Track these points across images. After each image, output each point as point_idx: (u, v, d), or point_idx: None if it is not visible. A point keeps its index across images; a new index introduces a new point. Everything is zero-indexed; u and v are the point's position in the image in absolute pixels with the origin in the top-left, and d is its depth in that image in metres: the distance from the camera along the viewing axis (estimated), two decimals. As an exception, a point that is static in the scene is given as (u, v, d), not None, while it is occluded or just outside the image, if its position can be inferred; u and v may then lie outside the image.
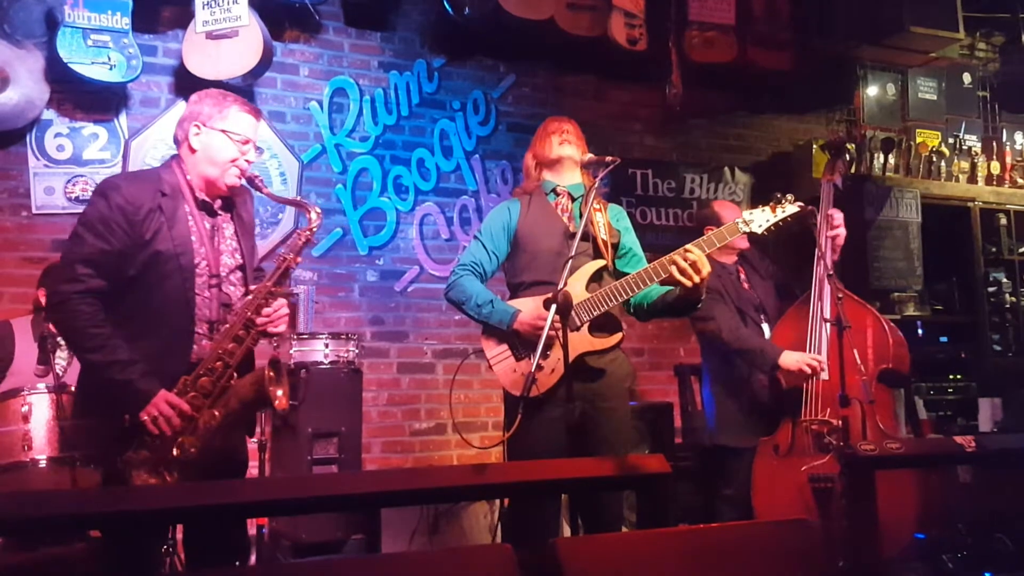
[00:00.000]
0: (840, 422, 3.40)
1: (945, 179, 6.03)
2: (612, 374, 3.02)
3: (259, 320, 2.61)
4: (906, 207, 5.65)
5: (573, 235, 2.90)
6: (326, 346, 4.07)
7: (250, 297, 2.64)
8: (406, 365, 5.01)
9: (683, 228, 5.60)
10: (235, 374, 2.58)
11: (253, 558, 3.83)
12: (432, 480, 2.19)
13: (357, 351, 4.19)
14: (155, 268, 2.52)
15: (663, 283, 2.89)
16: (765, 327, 3.84)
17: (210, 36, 4.32)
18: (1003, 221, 6.05)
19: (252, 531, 3.86)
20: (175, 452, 2.46)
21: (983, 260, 5.92)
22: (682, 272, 2.77)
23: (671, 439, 4.64)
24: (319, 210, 2.81)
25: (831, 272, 3.46)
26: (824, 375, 3.51)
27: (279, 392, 2.59)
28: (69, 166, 4.39)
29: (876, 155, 5.84)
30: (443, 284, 3.30)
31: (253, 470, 3.86)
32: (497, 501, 4.01)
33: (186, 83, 4.38)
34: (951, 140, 6.37)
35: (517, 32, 5.03)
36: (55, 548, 3.15)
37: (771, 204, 2.92)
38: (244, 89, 4.61)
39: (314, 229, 2.77)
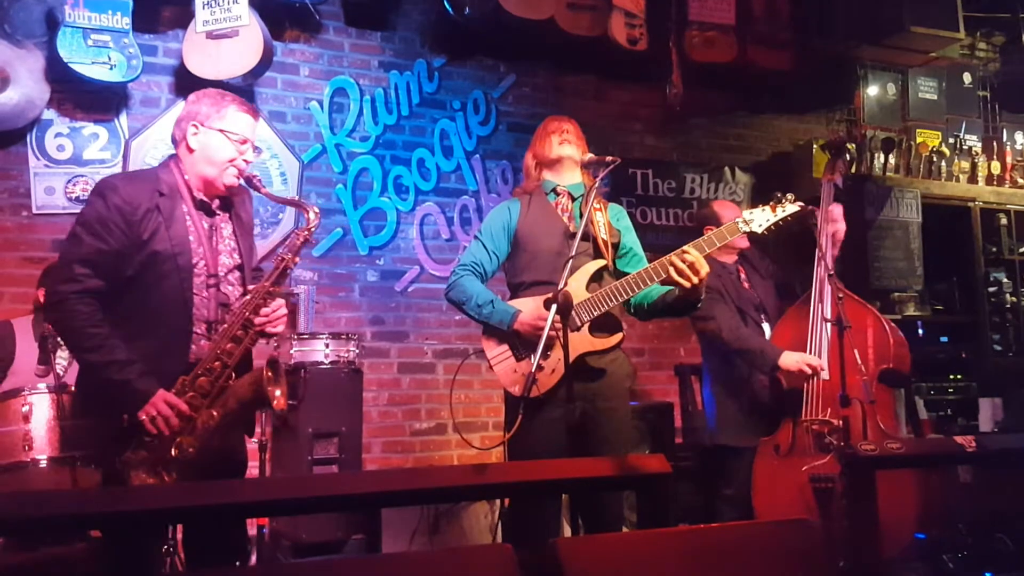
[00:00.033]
0: (841, 422, 3.40)
1: (945, 179, 6.03)
2: (612, 374, 3.02)
3: (257, 320, 2.61)
4: (906, 207, 5.65)
5: (573, 235, 2.90)
6: (326, 346, 4.07)
7: (248, 297, 2.64)
8: (406, 365, 5.01)
9: (683, 228, 5.60)
10: (233, 374, 2.58)
11: (253, 558, 3.83)
12: (432, 480, 2.19)
13: (357, 351, 4.19)
14: (153, 268, 2.51)
15: (662, 283, 2.89)
16: (765, 327, 3.84)
17: (210, 36, 4.32)
18: (1003, 221, 6.05)
19: (252, 531, 3.86)
20: (173, 452, 2.46)
21: (983, 260, 5.91)
22: (680, 273, 2.77)
23: (671, 439, 4.64)
24: (317, 210, 2.81)
25: (831, 272, 3.46)
26: (824, 375, 3.51)
27: (277, 392, 2.60)
28: (69, 166, 4.39)
29: (876, 155, 5.84)
30: (443, 284, 3.29)
31: (253, 470, 3.86)
32: (497, 501, 4.01)
33: (186, 83, 4.37)
34: (951, 140, 6.37)
35: (517, 32, 5.03)
36: (55, 548, 3.15)
37: (771, 204, 2.92)
38: (244, 89, 4.61)
39: (312, 229, 2.77)
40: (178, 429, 2.46)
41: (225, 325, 2.60)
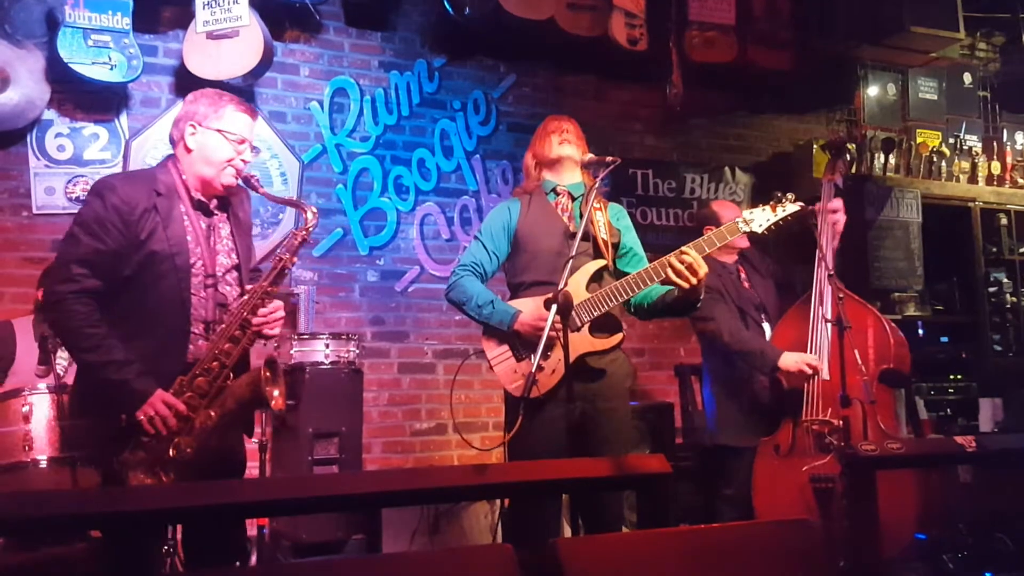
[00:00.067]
0: (841, 422, 3.40)
1: (946, 179, 6.03)
2: (612, 374, 3.02)
3: (255, 320, 2.61)
4: (907, 207, 5.65)
5: (573, 235, 2.90)
6: (327, 346, 4.07)
7: (246, 297, 2.64)
8: (407, 365, 5.01)
9: (683, 228, 5.60)
10: (231, 374, 2.58)
11: (254, 558, 3.83)
12: (433, 480, 2.19)
13: (358, 351, 4.19)
14: (150, 268, 2.51)
15: (662, 283, 2.89)
16: (766, 326, 3.84)
17: (211, 36, 4.33)
18: (1004, 221, 6.05)
19: (252, 531, 3.86)
20: (171, 452, 2.46)
21: (984, 260, 5.91)
22: (678, 274, 2.77)
23: (671, 439, 4.64)
24: (315, 210, 2.81)
25: (832, 272, 3.46)
26: (825, 375, 3.51)
27: (275, 392, 2.60)
28: (70, 166, 4.39)
29: (876, 155, 5.84)
30: (444, 284, 3.29)
31: (253, 470, 3.87)
32: (497, 501, 4.01)
33: (187, 83, 4.37)
34: (952, 140, 6.36)
35: (517, 32, 5.03)
36: (55, 548, 3.15)
37: (771, 203, 2.92)
38: (244, 89, 4.62)
39: (310, 229, 2.77)
40: (176, 429, 2.46)
41: (223, 325, 2.60)
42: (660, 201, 5.78)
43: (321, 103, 4.94)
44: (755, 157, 6.17)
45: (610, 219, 3.14)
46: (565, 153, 3.14)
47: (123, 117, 4.51)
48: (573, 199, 3.16)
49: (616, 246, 3.14)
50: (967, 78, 6.59)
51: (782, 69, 5.70)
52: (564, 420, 2.74)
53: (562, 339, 2.62)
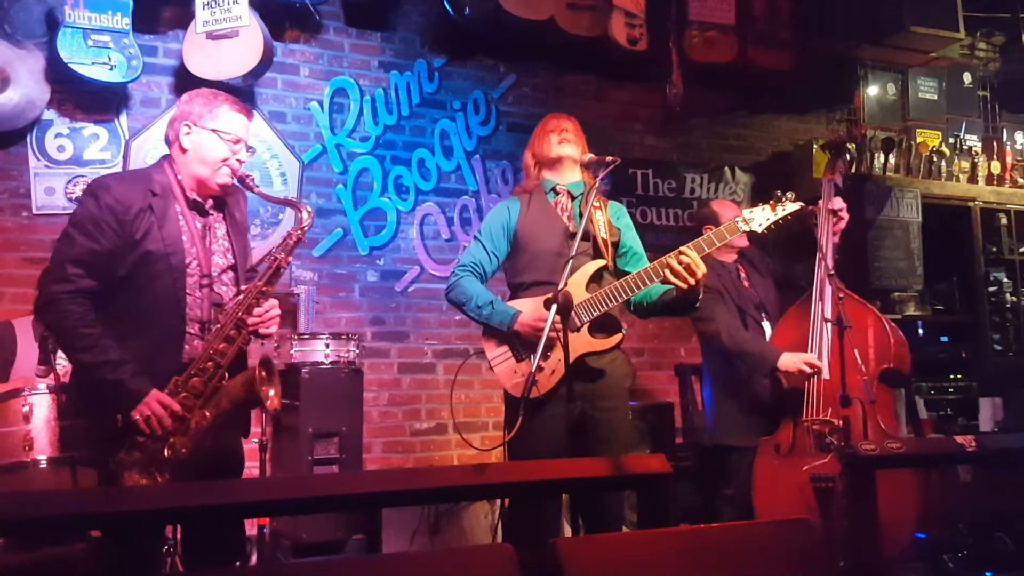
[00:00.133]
0: (841, 422, 3.40)
1: (945, 179, 6.04)
2: (612, 374, 3.02)
3: (250, 320, 2.61)
4: (907, 207, 5.65)
5: (573, 235, 2.90)
6: (327, 346, 4.07)
7: (241, 297, 2.63)
8: (407, 365, 5.01)
9: (683, 228, 5.60)
10: (226, 374, 2.58)
11: (254, 558, 3.83)
12: (433, 480, 2.19)
13: (358, 351, 4.19)
14: (145, 268, 2.51)
15: (661, 283, 2.89)
16: (766, 325, 3.84)
17: (210, 36, 4.33)
18: (1003, 221, 6.05)
19: (253, 531, 3.86)
20: (167, 453, 2.46)
21: (983, 260, 5.92)
22: (676, 274, 2.77)
23: (672, 439, 4.65)
24: (310, 209, 2.81)
25: (832, 272, 3.46)
26: (825, 375, 3.51)
27: (271, 392, 2.59)
28: (70, 166, 4.39)
29: (876, 155, 5.85)
30: (444, 284, 3.29)
31: (253, 470, 3.87)
32: (498, 501, 4.01)
33: (187, 83, 4.36)
34: (951, 140, 6.37)
35: (517, 32, 5.03)
36: (55, 548, 3.15)
37: (771, 202, 2.91)
38: (244, 89, 4.62)
39: (305, 228, 2.77)
40: (171, 430, 2.46)
41: (218, 325, 2.60)
42: (660, 201, 5.78)
43: (321, 103, 4.94)
44: (755, 157, 6.17)
45: (610, 218, 3.14)
46: (565, 153, 3.14)
47: (123, 117, 4.51)
48: (573, 198, 3.15)
49: (616, 245, 3.13)
50: (967, 78, 6.60)
51: (782, 69, 5.71)
52: (564, 420, 2.74)
53: (562, 339, 2.62)
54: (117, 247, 2.49)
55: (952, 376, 5.62)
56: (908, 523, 3.43)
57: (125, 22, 4.21)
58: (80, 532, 3.06)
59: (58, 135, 4.39)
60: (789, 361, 3.56)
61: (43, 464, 3.34)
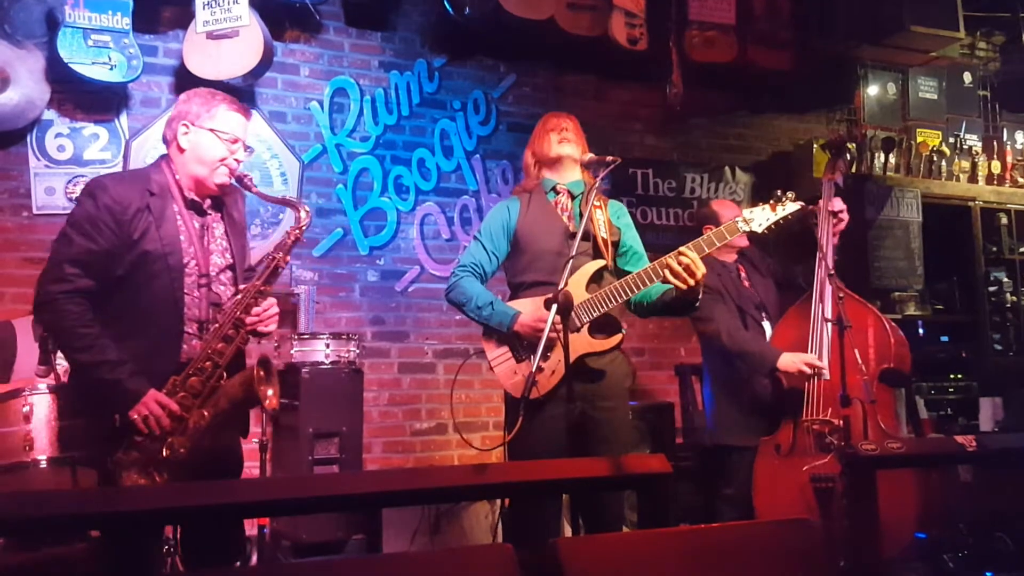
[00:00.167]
0: (841, 422, 3.40)
1: (946, 179, 6.03)
2: (612, 374, 3.02)
3: (248, 319, 2.61)
4: (907, 207, 5.65)
5: (573, 235, 2.90)
6: (327, 346, 4.07)
7: (239, 296, 2.63)
8: (407, 365, 5.01)
9: (684, 228, 5.60)
10: (225, 374, 2.58)
11: (254, 558, 3.83)
12: (433, 480, 2.19)
13: (358, 351, 4.19)
14: (143, 268, 2.51)
15: (661, 283, 2.89)
16: (766, 325, 3.83)
17: (211, 36, 4.33)
18: (1004, 220, 6.05)
19: (253, 531, 3.86)
20: (165, 453, 2.46)
21: (984, 259, 5.92)
22: (676, 275, 2.77)
23: (672, 439, 4.64)
24: (308, 209, 2.81)
25: (832, 272, 3.46)
26: (825, 375, 3.51)
27: (269, 392, 2.59)
28: (70, 166, 4.39)
29: (877, 155, 5.84)
30: (444, 284, 3.29)
31: (254, 470, 3.87)
32: (498, 501, 4.01)
33: (187, 83, 4.35)
34: (952, 140, 6.36)
35: (517, 32, 5.03)
36: (55, 548, 3.15)
37: (771, 202, 2.91)
38: (245, 89, 4.62)
39: (303, 228, 2.76)
40: (169, 429, 2.46)
41: (216, 325, 2.59)
42: (660, 201, 5.78)
43: (321, 103, 4.94)
44: (755, 157, 6.17)
45: (610, 217, 3.13)
46: (565, 152, 3.13)
47: (123, 117, 4.51)
48: (573, 198, 3.15)
49: (616, 244, 3.13)
50: (967, 77, 6.59)
51: (782, 69, 5.71)
52: (564, 420, 2.74)
53: (562, 339, 2.62)
54: (115, 247, 2.49)
55: (952, 376, 5.62)
56: (908, 523, 3.43)
57: (125, 22, 4.21)
58: (80, 532, 3.06)
59: (58, 135, 4.39)
60: (789, 361, 3.56)
61: (43, 464, 3.34)
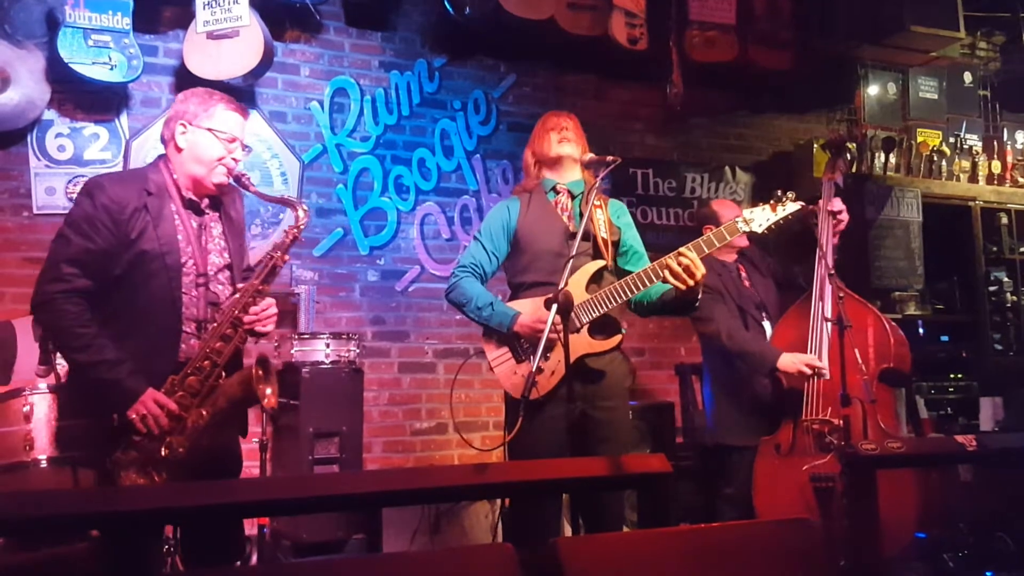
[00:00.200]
0: (841, 421, 3.40)
1: (946, 178, 6.03)
2: (612, 374, 3.01)
3: (246, 318, 2.60)
4: (907, 206, 5.65)
5: (573, 235, 2.90)
6: (327, 346, 4.07)
7: (237, 296, 2.63)
8: (407, 365, 5.01)
9: (684, 228, 5.60)
10: (223, 373, 2.58)
11: (254, 558, 3.83)
12: (433, 480, 2.19)
13: (358, 351, 4.19)
14: (141, 267, 2.51)
15: (662, 283, 2.89)
16: (767, 325, 3.83)
17: (211, 36, 4.33)
18: (1004, 220, 6.05)
19: (253, 531, 3.86)
20: (163, 452, 2.46)
21: (984, 259, 5.92)
22: (675, 276, 2.76)
23: (672, 438, 4.64)
24: (306, 208, 2.81)
25: (832, 271, 3.46)
26: (825, 375, 3.51)
27: (268, 390, 2.59)
28: (70, 166, 4.39)
29: (877, 154, 5.84)
30: (444, 284, 3.29)
31: (254, 470, 3.87)
32: (498, 501, 4.01)
33: (187, 83, 4.35)
34: (952, 139, 6.36)
35: (518, 32, 5.03)
36: (55, 548, 3.15)
37: (771, 203, 2.90)
38: (245, 89, 4.62)
39: (301, 227, 2.76)
40: (168, 429, 2.46)
41: (215, 324, 2.59)
42: (660, 200, 5.78)
43: (321, 103, 4.94)
44: (755, 156, 6.17)
45: (610, 216, 3.13)
46: (565, 152, 3.13)
47: (123, 117, 4.51)
48: (573, 197, 3.14)
49: (616, 244, 3.13)
50: (967, 77, 6.59)
51: (783, 69, 5.71)
52: (564, 420, 2.74)
53: (562, 339, 2.62)
54: (112, 246, 2.49)
55: (952, 375, 5.62)
56: (908, 523, 3.43)
57: (125, 22, 4.21)
58: (79, 532, 3.06)
59: (58, 135, 4.39)
60: (789, 362, 3.56)
61: (43, 464, 3.34)
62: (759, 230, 2.89)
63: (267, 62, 4.50)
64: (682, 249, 2.79)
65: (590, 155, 3.10)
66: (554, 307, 2.58)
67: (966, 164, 6.18)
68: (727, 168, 6.00)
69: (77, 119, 4.42)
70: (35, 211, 4.33)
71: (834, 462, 3.35)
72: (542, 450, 2.82)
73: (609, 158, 2.93)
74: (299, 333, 4.30)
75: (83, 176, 4.35)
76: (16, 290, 4.21)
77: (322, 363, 4.03)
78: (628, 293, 2.90)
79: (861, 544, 2.44)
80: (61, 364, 3.58)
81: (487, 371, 3.12)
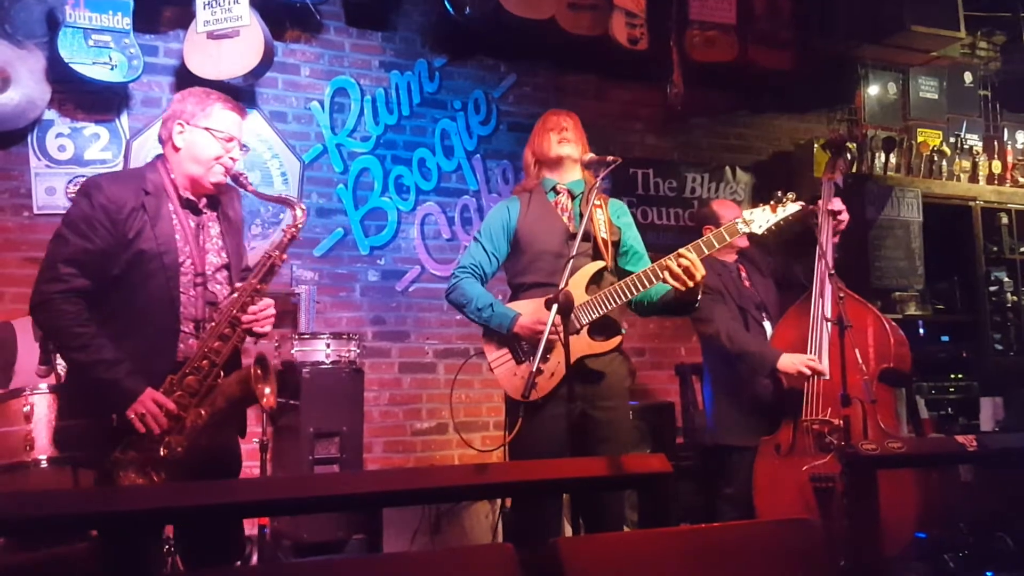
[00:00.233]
0: (841, 421, 3.39)
1: (946, 178, 6.03)
2: (612, 374, 3.01)
3: (244, 318, 2.60)
4: (907, 206, 5.65)
5: (573, 236, 2.90)
6: (327, 346, 4.07)
7: (235, 295, 2.63)
8: (407, 365, 5.01)
9: (684, 228, 5.60)
10: (221, 373, 2.57)
11: (255, 558, 3.83)
12: (433, 480, 2.19)
13: (358, 351, 4.19)
14: (139, 267, 2.51)
15: (662, 283, 2.89)
16: (767, 325, 3.83)
17: (211, 36, 4.33)
18: (1004, 220, 6.05)
19: (253, 531, 3.87)
20: (162, 452, 2.46)
21: (984, 259, 5.92)
22: (675, 277, 2.76)
23: (672, 438, 4.64)
24: (304, 207, 2.80)
25: (832, 271, 3.46)
26: (825, 375, 3.51)
27: (266, 390, 2.59)
28: (70, 166, 4.39)
29: (877, 154, 5.84)
30: (444, 284, 3.30)
31: (254, 470, 3.87)
32: (498, 501, 4.01)
33: (187, 83, 4.34)
34: (952, 139, 6.36)
35: (518, 32, 5.03)
36: (55, 548, 3.15)
37: (771, 203, 2.90)
38: (245, 89, 4.62)
39: (299, 226, 2.76)
40: (167, 428, 2.46)
41: (213, 324, 2.59)
42: (661, 200, 5.78)
43: (322, 103, 4.94)
44: (756, 156, 6.17)
45: (610, 216, 3.12)
46: (564, 153, 3.12)
47: (124, 117, 4.51)
48: (573, 198, 3.14)
49: (616, 244, 3.12)
50: (968, 77, 6.59)
51: (783, 68, 5.71)
52: (564, 420, 2.74)
53: (562, 339, 2.62)
54: (110, 246, 2.49)
55: (953, 376, 5.62)
56: (909, 523, 3.43)
57: (126, 22, 4.21)
58: (79, 532, 3.06)
59: (59, 135, 4.39)
60: (788, 363, 3.56)
61: (44, 464, 3.34)
62: (759, 231, 2.89)
63: (267, 62, 4.50)
64: (682, 250, 2.79)
65: (590, 155, 3.09)
66: (554, 307, 2.58)
67: (966, 164, 6.18)
68: (727, 168, 6.00)
69: (78, 119, 4.42)
70: (35, 211, 4.33)
71: (834, 462, 3.35)
72: (542, 450, 2.82)
73: (609, 158, 2.93)
74: (299, 333, 4.30)
75: (83, 176, 4.33)
76: (16, 290, 4.21)
77: (322, 363, 4.03)
78: (628, 294, 2.89)
79: (861, 544, 2.44)
80: (61, 364, 3.58)
81: (487, 371, 3.12)
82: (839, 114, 6.35)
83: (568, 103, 5.41)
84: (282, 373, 4.07)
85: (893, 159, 5.83)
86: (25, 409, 3.35)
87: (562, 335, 2.62)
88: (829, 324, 3.50)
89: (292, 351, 4.09)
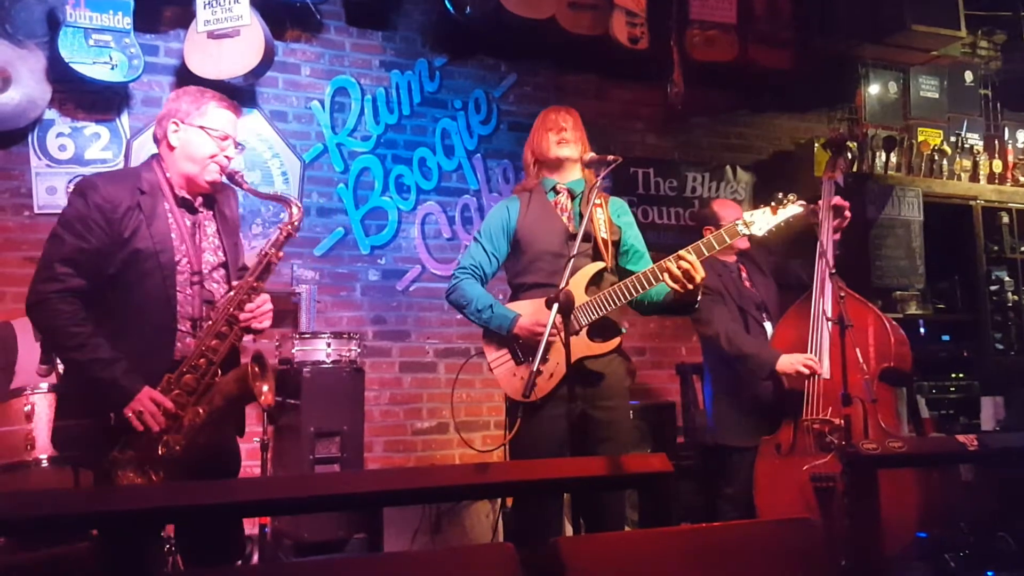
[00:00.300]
0: (842, 421, 3.39)
1: (947, 178, 6.02)
2: (611, 374, 3.01)
3: (242, 316, 2.60)
4: (908, 206, 5.65)
5: (573, 236, 2.89)
6: (328, 345, 4.07)
7: (232, 293, 2.63)
8: (408, 364, 5.01)
9: (685, 227, 5.60)
10: (219, 371, 2.57)
11: (255, 557, 3.83)
12: (434, 479, 2.19)
13: (359, 350, 4.19)
14: (135, 266, 2.51)
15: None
16: (767, 325, 3.83)
17: (212, 36, 4.33)
18: (1005, 219, 6.04)
19: (254, 530, 3.87)
20: (160, 451, 2.46)
21: (985, 258, 5.91)
22: (675, 279, 2.76)
23: (673, 438, 4.64)
24: (300, 205, 2.80)
25: (833, 271, 3.46)
26: (826, 374, 3.51)
27: (264, 388, 2.59)
28: (71, 166, 4.39)
29: (878, 154, 5.84)
30: (445, 283, 3.29)
31: (255, 469, 3.87)
32: (499, 500, 4.01)
33: (188, 83, 4.31)
34: (953, 138, 6.35)
35: (518, 31, 5.03)
36: (55, 548, 3.15)
37: (772, 205, 2.89)
38: (246, 89, 4.62)
39: (295, 224, 2.75)
40: (164, 427, 2.46)
41: (210, 322, 2.59)
42: (661, 200, 5.78)
43: (322, 102, 4.94)
44: (756, 156, 6.17)
45: (610, 215, 3.11)
46: (564, 155, 3.10)
47: (124, 117, 4.51)
48: (573, 197, 3.13)
49: (617, 244, 3.12)
50: (968, 76, 6.59)
51: (783, 68, 5.70)
52: (565, 420, 2.74)
53: (562, 339, 2.62)
54: (106, 246, 2.49)
55: (954, 375, 5.62)
56: (909, 522, 3.43)
57: (126, 21, 4.21)
58: (79, 532, 3.06)
59: (59, 134, 4.39)
60: (787, 363, 3.56)
61: (44, 463, 3.34)
62: (759, 233, 2.88)
63: (268, 61, 4.50)
64: (682, 252, 2.78)
65: (591, 154, 3.08)
66: (555, 307, 2.57)
67: (967, 163, 6.17)
68: (728, 167, 6.00)
69: (78, 119, 4.42)
70: (36, 211, 4.33)
71: (835, 462, 3.35)
72: (543, 450, 2.82)
73: (610, 157, 2.92)
74: (300, 333, 4.30)
75: (84, 176, 4.36)
76: (16, 290, 4.20)
77: (323, 363, 4.03)
78: (627, 296, 2.89)
79: (862, 544, 2.44)
80: (61, 364, 3.59)
81: (488, 371, 3.11)
82: (839, 113, 6.34)
83: (568, 102, 5.29)
84: (282, 372, 4.08)
85: (894, 158, 5.82)
86: (26, 409, 3.36)
87: (562, 336, 2.62)
88: (830, 323, 3.50)
89: (293, 350, 4.08)
